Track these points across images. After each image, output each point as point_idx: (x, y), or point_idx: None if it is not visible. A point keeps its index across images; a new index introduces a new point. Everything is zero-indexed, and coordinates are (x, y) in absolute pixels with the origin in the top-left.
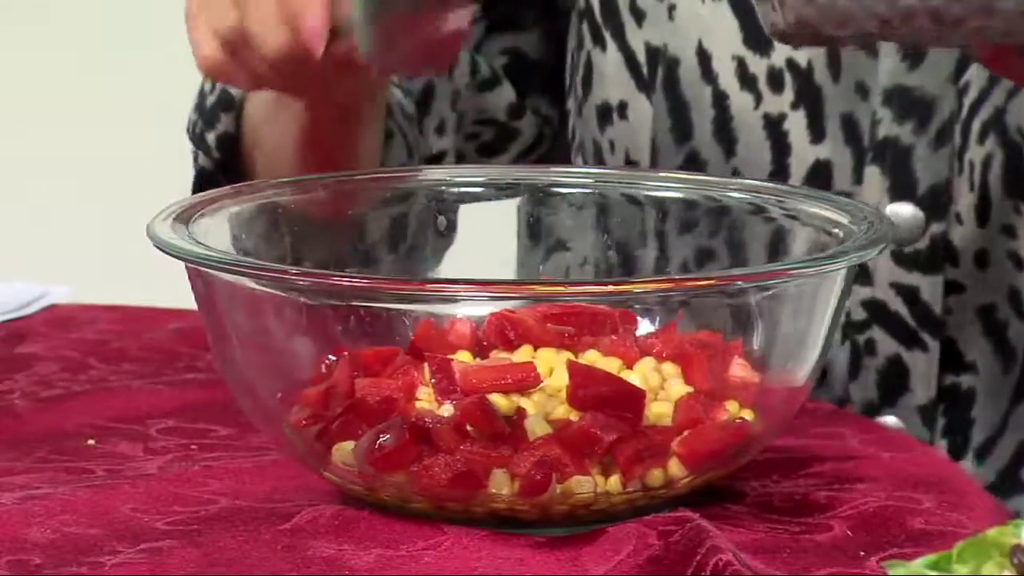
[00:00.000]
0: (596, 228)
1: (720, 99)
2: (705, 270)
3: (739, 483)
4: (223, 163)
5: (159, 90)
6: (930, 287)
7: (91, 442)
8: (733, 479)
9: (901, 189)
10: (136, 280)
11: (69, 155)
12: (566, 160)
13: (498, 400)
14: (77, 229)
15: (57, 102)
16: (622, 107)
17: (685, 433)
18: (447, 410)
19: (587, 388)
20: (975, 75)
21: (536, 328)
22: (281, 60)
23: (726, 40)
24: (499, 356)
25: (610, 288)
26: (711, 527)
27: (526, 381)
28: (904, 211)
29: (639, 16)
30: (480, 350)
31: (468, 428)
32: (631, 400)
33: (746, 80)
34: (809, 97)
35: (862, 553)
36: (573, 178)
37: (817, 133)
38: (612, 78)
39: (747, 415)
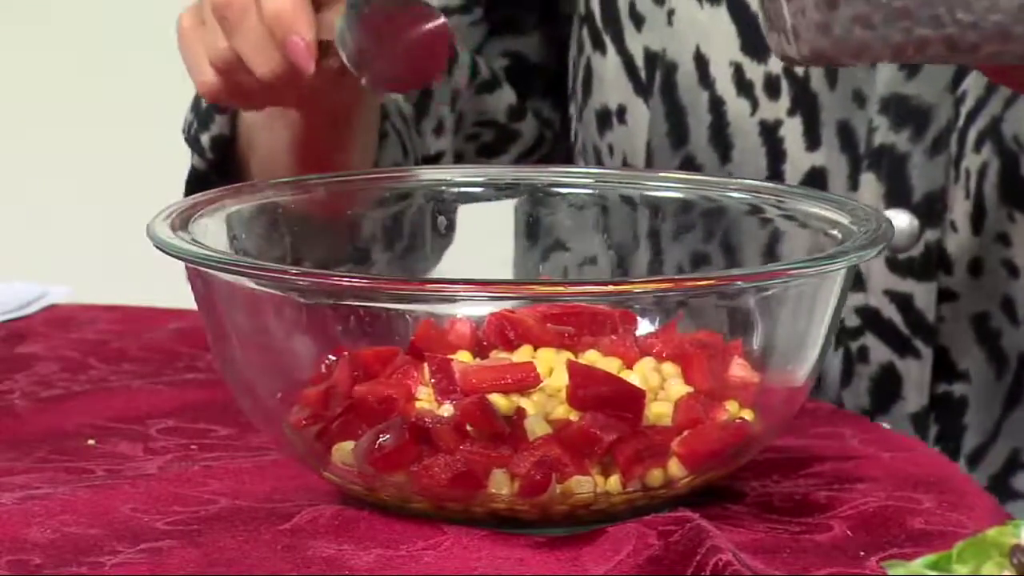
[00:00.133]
0: (595, 228)
1: (717, 104)
2: (702, 271)
3: (739, 483)
4: (217, 164)
5: (159, 90)
6: (924, 294)
7: (91, 442)
8: (733, 479)
9: (896, 196)
10: (136, 280)
11: (69, 155)
12: (566, 162)
13: (498, 400)
14: (77, 229)
15: (57, 102)
16: (621, 111)
17: (685, 433)
18: (447, 410)
19: (587, 388)
20: (972, 84)
21: (536, 328)
22: (275, 80)
23: (724, 46)
24: (499, 356)
25: (610, 288)
26: (711, 527)
27: (526, 381)
28: (899, 218)
29: (639, 21)
30: (480, 350)
31: (468, 428)
32: (631, 400)
33: (743, 86)
34: (805, 104)
35: (862, 553)
36: (572, 178)
37: (813, 140)
38: (611, 83)
39: (747, 415)
